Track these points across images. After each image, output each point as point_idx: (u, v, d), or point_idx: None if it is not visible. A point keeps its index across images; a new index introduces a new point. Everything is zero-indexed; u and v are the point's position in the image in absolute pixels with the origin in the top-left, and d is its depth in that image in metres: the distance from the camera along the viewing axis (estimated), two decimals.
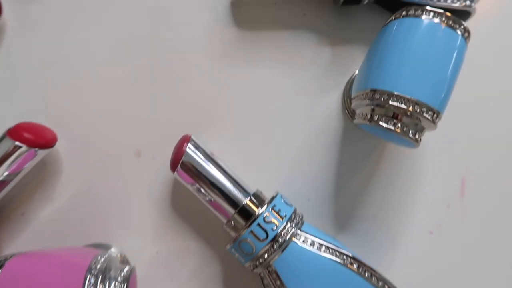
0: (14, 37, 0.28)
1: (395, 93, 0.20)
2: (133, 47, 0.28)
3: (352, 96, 0.24)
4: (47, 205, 0.27)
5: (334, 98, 0.28)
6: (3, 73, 0.28)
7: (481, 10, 0.27)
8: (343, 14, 0.29)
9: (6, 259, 0.20)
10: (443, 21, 0.21)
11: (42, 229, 0.27)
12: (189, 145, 0.24)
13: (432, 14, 0.21)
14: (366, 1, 0.27)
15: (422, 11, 0.21)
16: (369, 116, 0.21)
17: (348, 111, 0.27)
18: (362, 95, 0.22)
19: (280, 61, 0.28)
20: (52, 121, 0.27)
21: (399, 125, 0.21)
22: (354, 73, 0.28)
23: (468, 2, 0.25)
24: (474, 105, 0.28)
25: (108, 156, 0.27)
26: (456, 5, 0.25)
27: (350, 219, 0.27)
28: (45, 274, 0.20)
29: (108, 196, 0.27)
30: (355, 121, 0.23)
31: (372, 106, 0.21)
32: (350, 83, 0.28)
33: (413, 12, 0.21)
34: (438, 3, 0.25)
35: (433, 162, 0.28)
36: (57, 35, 0.28)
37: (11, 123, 0.25)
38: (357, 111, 0.23)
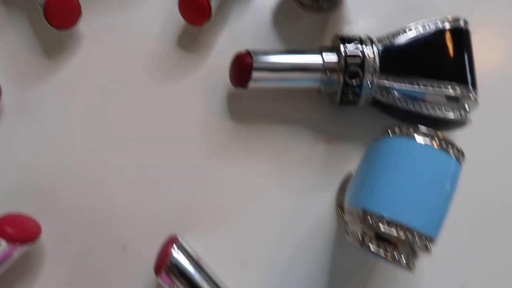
0: (5, 122, 0.28)
1: (386, 217, 0.20)
2: (124, 136, 0.28)
3: (345, 206, 0.23)
4: None
5: (328, 197, 0.27)
6: None
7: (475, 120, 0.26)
8: (339, 111, 0.29)
9: None
10: (436, 143, 0.21)
11: None
12: (174, 247, 0.24)
13: (424, 134, 0.21)
14: (363, 104, 0.27)
15: (414, 130, 0.21)
16: (360, 239, 0.20)
17: (342, 212, 0.27)
18: (354, 213, 0.21)
19: (275, 156, 0.28)
20: (38, 210, 0.26)
21: (390, 251, 0.20)
22: (349, 172, 0.27)
23: (462, 113, 0.25)
24: (472, 216, 0.27)
25: (94, 249, 0.26)
26: (451, 116, 0.25)
27: None
28: None
29: None
30: (347, 238, 0.22)
31: (363, 228, 0.20)
32: (344, 183, 0.27)
33: (405, 130, 0.21)
34: (433, 112, 0.25)
35: (431, 272, 0.26)
36: (50, 122, 0.29)
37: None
38: (349, 227, 0.22)
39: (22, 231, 0.24)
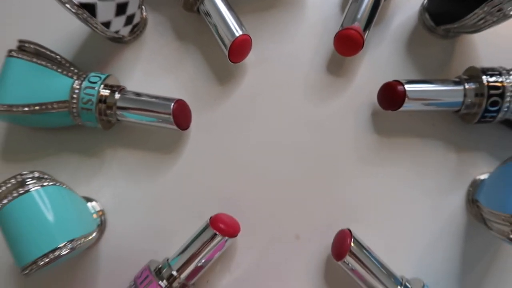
0: (196, 140, 0.36)
1: None
2: (289, 148, 0.35)
3: (486, 209, 0.29)
4: (225, 276, 0.34)
5: (457, 197, 0.34)
6: (190, 167, 0.35)
7: None
8: (468, 127, 0.34)
9: None
10: None
11: None
12: (353, 234, 0.30)
13: None
14: (494, 122, 0.32)
15: None
16: (510, 237, 0.27)
17: (471, 210, 0.33)
18: (502, 216, 0.27)
19: (413, 164, 0.34)
20: (228, 208, 0.34)
21: None
22: (477, 177, 0.34)
23: None
24: None
25: (273, 238, 0.34)
26: None
27: None
28: None
29: (273, 270, 0.34)
30: (493, 233, 0.28)
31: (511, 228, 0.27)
32: (474, 186, 0.33)
33: None
34: None
35: None
36: (227, 137, 0.36)
37: (198, 211, 0.33)
38: (495, 226, 0.29)
39: (230, 228, 0.32)
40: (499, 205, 0.29)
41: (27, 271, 0.27)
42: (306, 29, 0.37)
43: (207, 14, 0.35)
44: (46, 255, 0.27)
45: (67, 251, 0.27)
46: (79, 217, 0.31)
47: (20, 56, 0.32)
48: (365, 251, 0.30)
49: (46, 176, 0.30)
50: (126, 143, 0.36)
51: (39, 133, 0.36)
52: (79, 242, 0.29)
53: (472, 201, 0.33)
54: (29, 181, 0.29)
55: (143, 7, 0.37)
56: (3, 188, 0.28)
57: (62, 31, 0.37)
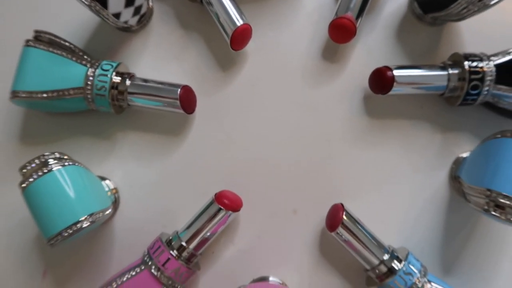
0: (200, 123, 0.39)
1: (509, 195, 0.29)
2: (289, 130, 0.38)
3: (466, 184, 0.32)
4: (229, 247, 0.37)
5: (441, 174, 0.37)
6: (195, 148, 0.38)
7: None
8: (453, 109, 0.37)
9: None
10: None
11: (225, 264, 0.37)
12: (345, 207, 0.34)
13: None
14: (475, 105, 0.35)
15: None
16: (485, 208, 0.30)
17: (453, 185, 0.36)
18: (479, 190, 0.30)
19: (401, 143, 0.37)
20: (231, 186, 0.37)
21: (505, 215, 0.29)
22: (460, 155, 0.37)
23: None
24: None
25: (273, 213, 0.37)
26: None
27: (453, 265, 0.36)
28: None
29: (272, 241, 0.37)
30: (471, 205, 0.31)
31: (487, 201, 0.30)
32: (457, 163, 0.36)
33: None
34: None
35: None
36: (229, 120, 0.39)
37: (203, 188, 0.36)
38: (473, 199, 0.32)
39: (233, 203, 0.35)
40: (477, 180, 0.32)
41: (52, 242, 0.30)
42: (302, 17, 0.40)
43: (210, 3, 0.37)
44: (69, 227, 0.30)
45: (88, 223, 0.31)
46: (96, 194, 0.34)
47: (36, 45, 0.35)
48: (356, 223, 0.34)
49: (65, 157, 0.33)
50: (136, 127, 0.39)
51: (55, 117, 0.39)
52: (98, 216, 0.32)
53: (454, 177, 0.36)
54: (51, 161, 0.31)
55: None
56: (28, 168, 0.31)
57: (74, 22, 0.40)
